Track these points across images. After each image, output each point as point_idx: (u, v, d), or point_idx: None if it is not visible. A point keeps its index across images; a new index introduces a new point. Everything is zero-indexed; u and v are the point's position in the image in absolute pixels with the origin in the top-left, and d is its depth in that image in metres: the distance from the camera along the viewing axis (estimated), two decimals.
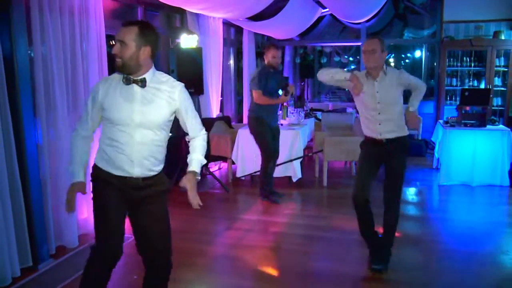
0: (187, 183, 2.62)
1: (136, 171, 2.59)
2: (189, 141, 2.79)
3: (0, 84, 3.61)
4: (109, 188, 2.63)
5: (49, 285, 3.69)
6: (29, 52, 3.97)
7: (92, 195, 2.72)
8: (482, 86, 8.54)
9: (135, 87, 2.54)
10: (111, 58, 4.80)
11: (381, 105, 3.80)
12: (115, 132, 2.55)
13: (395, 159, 3.86)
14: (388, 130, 3.83)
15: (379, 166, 3.96)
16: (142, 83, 2.54)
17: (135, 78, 2.53)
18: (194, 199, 2.63)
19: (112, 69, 4.61)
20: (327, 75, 3.86)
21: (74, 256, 4.25)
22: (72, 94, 4.44)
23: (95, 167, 2.68)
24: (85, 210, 4.75)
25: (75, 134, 2.70)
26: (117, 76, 2.60)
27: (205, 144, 2.79)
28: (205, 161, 2.76)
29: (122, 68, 2.52)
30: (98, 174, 2.67)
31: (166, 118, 2.62)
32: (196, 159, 2.70)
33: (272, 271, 3.97)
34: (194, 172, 2.66)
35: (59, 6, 4.16)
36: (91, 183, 2.73)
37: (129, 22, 2.53)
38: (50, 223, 4.22)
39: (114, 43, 2.52)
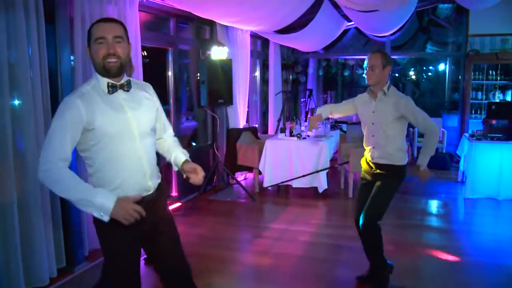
0: (191, 164, 2.45)
1: (150, 183, 2.34)
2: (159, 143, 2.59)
3: (44, 93, 3.80)
4: (123, 235, 2.25)
5: (85, 287, 3.82)
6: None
7: (103, 242, 2.33)
8: (508, 99, 8.54)
9: (119, 94, 2.25)
10: (146, 67, 5.00)
11: (375, 127, 3.62)
12: (115, 149, 2.21)
13: (378, 182, 3.63)
14: (380, 156, 3.61)
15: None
16: (128, 86, 2.28)
17: (120, 83, 2.25)
18: (200, 174, 2.42)
19: (148, 78, 4.77)
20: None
21: None
22: None
23: None
24: None
25: (55, 167, 2.09)
26: (89, 88, 2.23)
27: (178, 140, 2.64)
28: (188, 154, 2.56)
29: (119, 69, 2.20)
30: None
31: (155, 119, 2.43)
32: (181, 152, 2.54)
33: (301, 279, 4.04)
34: (188, 160, 2.51)
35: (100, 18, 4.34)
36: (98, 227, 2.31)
37: (113, 19, 2.25)
38: (84, 227, 4.37)
39: (102, 41, 2.16)
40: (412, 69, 14.48)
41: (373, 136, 3.64)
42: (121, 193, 2.19)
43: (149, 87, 2.46)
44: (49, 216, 3.86)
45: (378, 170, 3.63)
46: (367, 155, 3.74)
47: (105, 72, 2.19)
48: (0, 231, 3.46)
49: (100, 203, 2.06)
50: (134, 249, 2.37)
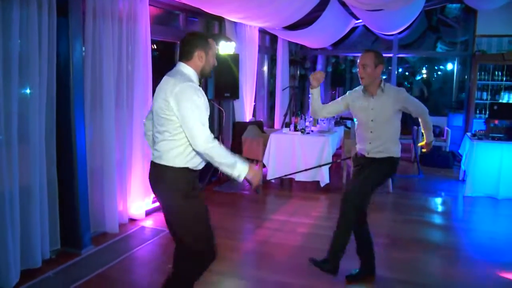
0: None
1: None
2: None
3: (50, 83, 4.00)
4: (201, 201, 2.89)
5: (92, 268, 4.05)
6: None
7: (184, 202, 2.78)
8: None
9: None
10: (155, 60, 5.17)
11: (374, 123, 3.69)
12: None
13: (372, 167, 3.73)
14: (376, 150, 3.71)
15: None
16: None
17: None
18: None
19: (157, 71, 4.98)
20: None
21: (113, 244, 4.63)
22: (117, 92, 4.81)
23: (183, 169, 2.75)
24: (121, 204, 5.10)
25: (216, 143, 2.69)
26: (193, 79, 2.81)
27: None
28: None
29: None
30: (187, 179, 2.78)
31: None
32: None
33: (298, 267, 4.19)
34: None
35: (110, 13, 4.52)
36: (178, 192, 2.77)
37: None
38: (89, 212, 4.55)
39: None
40: (424, 67, 14.52)
41: (371, 132, 3.71)
42: (198, 164, 2.81)
43: None
44: (46, 201, 4.05)
45: (375, 162, 3.75)
46: (361, 150, 3.83)
47: (206, 75, 2.89)
48: (4, 213, 3.62)
49: (241, 167, 2.68)
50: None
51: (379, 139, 3.69)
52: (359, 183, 3.72)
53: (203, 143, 2.62)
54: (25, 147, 3.83)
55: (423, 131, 3.93)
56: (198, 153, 2.73)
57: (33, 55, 3.73)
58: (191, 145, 2.68)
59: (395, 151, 3.75)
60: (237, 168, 2.68)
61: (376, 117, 3.69)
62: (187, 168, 2.76)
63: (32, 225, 3.89)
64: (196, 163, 2.80)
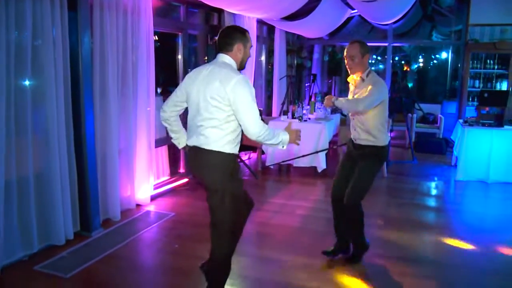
0: None
1: None
2: None
3: (65, 74, 4.23)
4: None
5: (102, 249, 4.29)
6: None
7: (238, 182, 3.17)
8: (504, 88, 8.84)
9: None
10: (157, 51, 5.35)
11: None
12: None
13: (361, 163, 3.83)
14: (361, 138, 3.82)
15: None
16: None
17: None
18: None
19: (159, 61, 5.15)
20: None
21: (121, 227, 4.87)
22: (122, 82, 5.02)
23: (235, 156, 3.05)
24: (129, 188, 5.33)
25: (267, 126, 2.95)
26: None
27: None
28: None
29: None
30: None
31: None
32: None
33: (296, 246, 4.45)
34: None
35: (115, 6, 4.73)
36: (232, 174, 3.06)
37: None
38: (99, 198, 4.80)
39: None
40: (420, 56, 14.71)
41: (353, 119, 3.90)
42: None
43: None
44: (68, 186, 4.32)
45: (361, 151, 3.87)
46: (351, 136, 4.00)
47: (243, 66, 3.07)
48: (19, 198, 3.89)
49: (284, 139, 2.97)
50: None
51: (362, 126, 3.81)
52: (352, 188, 3.81)
53: (257, 132, 2.83)
54: (44, 137, 4.09)
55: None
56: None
57: (48, 49, 3.96)
58: (245, 133, 2.90)
59: (381, 139, 3.81)
60: (282, 141, 2.96)
61: None
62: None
63: (54, 207, 4.17)
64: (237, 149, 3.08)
